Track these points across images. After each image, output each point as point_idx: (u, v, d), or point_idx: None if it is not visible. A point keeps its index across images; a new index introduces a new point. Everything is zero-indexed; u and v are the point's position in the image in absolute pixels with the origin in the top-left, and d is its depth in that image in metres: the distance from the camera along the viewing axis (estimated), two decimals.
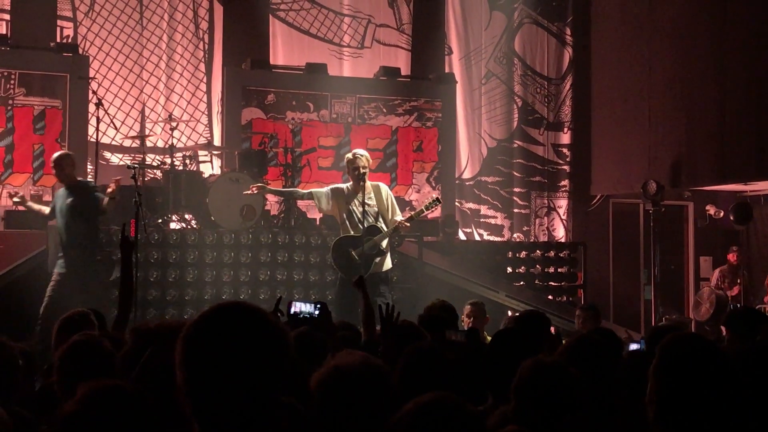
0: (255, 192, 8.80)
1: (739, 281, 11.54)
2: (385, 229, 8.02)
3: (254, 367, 1.64)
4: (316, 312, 4.28)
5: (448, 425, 1.74)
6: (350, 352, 2.46)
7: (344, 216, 8.06)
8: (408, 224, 8.16)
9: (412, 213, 8.83)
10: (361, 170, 7.84)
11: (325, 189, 8.37)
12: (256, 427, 1.68)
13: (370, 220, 7.96)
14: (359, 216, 7.96)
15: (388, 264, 8.09)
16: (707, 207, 12.60)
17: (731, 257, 11.80)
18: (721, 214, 12.32)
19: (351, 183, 7.99)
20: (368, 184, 7.97)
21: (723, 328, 5.26)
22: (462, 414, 1.76)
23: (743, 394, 2.18)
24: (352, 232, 8.00)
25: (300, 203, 10.01)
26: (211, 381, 1.63)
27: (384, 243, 7.98)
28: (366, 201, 7.95)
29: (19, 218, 9.63)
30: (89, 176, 10.40)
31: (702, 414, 2.03)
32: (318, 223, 9.84)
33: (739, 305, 11.02)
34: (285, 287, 8.87)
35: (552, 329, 5.45)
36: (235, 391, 1.64)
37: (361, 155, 7.99)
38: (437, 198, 9.00)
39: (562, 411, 2.62)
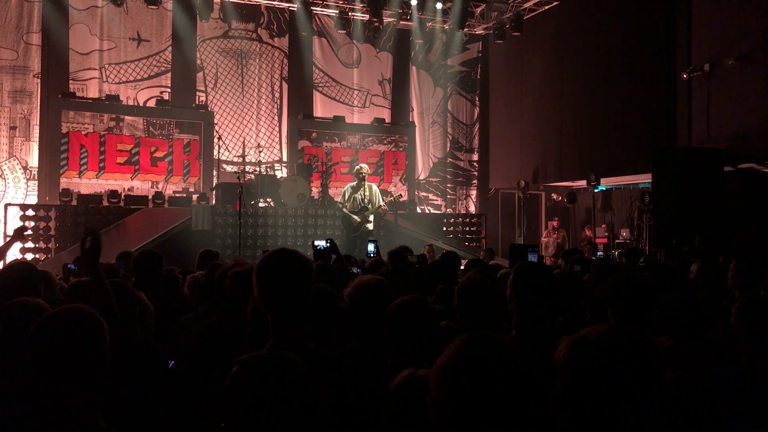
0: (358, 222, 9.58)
1: (555, 236, 13.39)
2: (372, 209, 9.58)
3: (298, 288, 2.03)
4: (327, 244, 4.79)
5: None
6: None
7: (351, 202, 9.71)
8: (386, 206, 10.00)
9: (386, 201, 10.22)
10: (362, 175, 9.72)
11: (345, 189, 9.98)
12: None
13: (365, 204, 9.64)
14: (359, 202, 9.72)
15: (371, 227, 9.83)
16: (552, 194, 14.92)
17: (554, 223, 13.83)
18: (560, 198, 14.65)
19: (356, 183, 9.84)
20: (366, 184, 9.72)
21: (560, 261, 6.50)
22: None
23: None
24: (354, 211, 9.72)
25: (331, 193, 12.22)
26: (276, 293, 2.00)
27: (371, 216, 9.76)
28: (365, 194, 9.61)
29: (176, 201, 12.15)
30: (214, 179, 12.74)
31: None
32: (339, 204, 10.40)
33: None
34: (319, 236, 10.13)
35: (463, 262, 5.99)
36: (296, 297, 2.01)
37: (363, 167, 9.85)
38: (400, 194, 11.68)
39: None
